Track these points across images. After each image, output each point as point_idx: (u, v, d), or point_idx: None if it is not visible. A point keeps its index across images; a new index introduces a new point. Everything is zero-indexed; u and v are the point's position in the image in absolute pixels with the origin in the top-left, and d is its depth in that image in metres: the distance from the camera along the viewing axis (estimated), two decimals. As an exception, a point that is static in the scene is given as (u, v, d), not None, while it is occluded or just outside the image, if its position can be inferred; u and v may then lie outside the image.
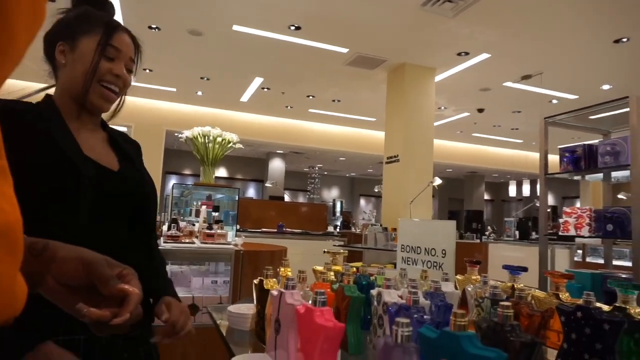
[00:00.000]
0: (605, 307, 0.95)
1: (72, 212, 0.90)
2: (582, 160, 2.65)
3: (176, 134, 4.38)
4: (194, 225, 3.53)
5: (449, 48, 5.55)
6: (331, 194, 17.93)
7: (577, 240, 5.61)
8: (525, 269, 1.26)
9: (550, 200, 15.82)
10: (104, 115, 1.11)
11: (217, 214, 3.98)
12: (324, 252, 1.61)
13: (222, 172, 14.68)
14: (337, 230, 9.75)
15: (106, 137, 1.10)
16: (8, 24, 0.31)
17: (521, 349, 0.66)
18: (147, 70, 6.98)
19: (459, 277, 1.40)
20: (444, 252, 1.52)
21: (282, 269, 1.35)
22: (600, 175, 2.87)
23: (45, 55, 1.05)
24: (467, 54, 5.69)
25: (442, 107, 8.29)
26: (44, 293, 0.60)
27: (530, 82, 6.59)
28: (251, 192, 15.39)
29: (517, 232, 8.76)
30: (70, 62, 1.00)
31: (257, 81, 7.39)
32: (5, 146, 0.85)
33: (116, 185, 0.99)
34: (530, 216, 9.82)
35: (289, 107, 9.09)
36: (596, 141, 2.67)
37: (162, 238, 3.00)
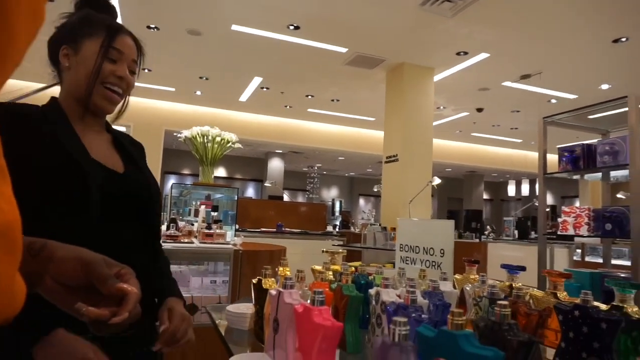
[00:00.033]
0: (603, 306, 0.95)
1: (79, 214, 0.91)
2: (581, 159, 2.66)
3: (175, 134, 4.38)
4: (192, 225, 3.53)
5: (448, 48, 5.56)
6: (330, 193, 17.93)
7: (576, 239, 5.61)
8: (523, 269, 1.27)
9: (549, 199, 15.83)
10: (108, 117, 1.12)
11: (216, 213, 3.98)
12: (323, 251, 1.61)
13: (221, 171, 14.68)
14: (336, 229, 9.75)
15: (111, 139, 1.11)
16: (8, 25, 0.31)
17: (518, 348, 0.66)
18: (146, 70, 6.98)
19: (457, 276, 1.40)
20: (442, 251, 1.52)
21: (281, 269, 1.35)
22: (599, 174, 2.87)
23: (49, 59, 1.06)
24: (466, 53, 5.70)
25: (441, 107, 8.29)
26: (42, 293, 0.61)
27: (529, 82, 6.60)
28: (250, 192, 15.39)
29: (516, 232, 8.77)
30: (74, 65, 1.01)
31: (256, 81, 7.39)
32: (11, 149, 0.86)
33: (121, 187, 1.01)
34: (529, 215, 9.82)
35: (288, 107, 9.08)
36: (595, 141, 2.68)
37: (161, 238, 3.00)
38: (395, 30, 5.16)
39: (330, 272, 1.42)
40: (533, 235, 8.13)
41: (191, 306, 2.74)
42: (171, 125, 8.62)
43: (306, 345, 0.77)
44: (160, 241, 1.19)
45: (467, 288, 1.18)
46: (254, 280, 1.28)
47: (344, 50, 5.79)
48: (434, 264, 1.55)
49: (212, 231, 3.23)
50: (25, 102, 0.99)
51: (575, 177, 3.09)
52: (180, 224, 3.39)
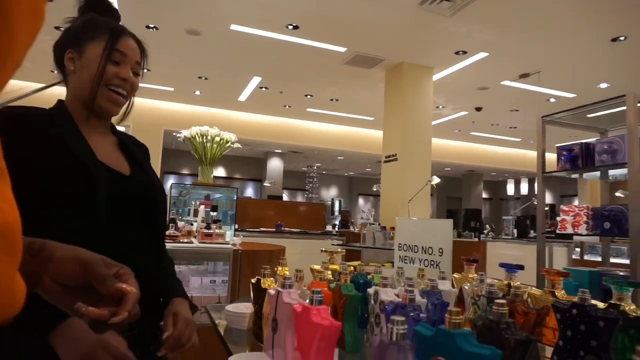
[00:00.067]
0: (601, 304, 0.96)
1: (86, 216, 0.91)
2: (579, 158, 2.66)
3: (174, 134, 4.38)
4: (192, 225, 3.53)
5: (447, 47, 5.56)
6: (329, 193, 17.94)
7: (575, 238, 5.61)
8: (521, 267, 1.27)
9: (549, 198, 15.84)
10: (113, 119, 1.13)
11: (215, 213, 3.98)
12: (322, 251, 1.61)
13: (220, 171, 14.68)
14: (336, 229, 9.76)
15: (116, 141, 1.12)
16: (8, 25, 0.31)
17: (516, 346, 0.67)
18: (145, 70, 6.96)
19: (456, 275, 1.40)
20: (441, 250, 1.52)
21: (280, 268, 1.35)
22: (598, 173, 2.88)
23: (55, 63, 1.08)
24: (464, 52, 5.70)
25: (440, 106, 8.30)
26: (41, 293, 0.61)
27: (528, 81, 6.60)
28: (249, 192, 15.39)
29: (515, 231, 8.77)
30: (78, 68, 1.03)
31: (255, 80, 7.39)
32: (18, 151, 0.88)
33: (127, 189, 1.02)
34: (528, 214, 9.83)
35: (287, 107, 9.08)
36: (593, 139, 2.68)
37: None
38: (394, 30, 5.16)
39: (329, 272, 1.42)
40: (532, 234, 8.14)
41: (190, 306, 2.75)
42: (170, 125, 8.62)
43: (305, 344, 0.77)
44: (165, 242, 1.19)
45: (466, 287, 1.18)
46: (253, 280, 1.28)
47: (342, 49, 5.80)
48: (432, 263, 1.55)
49: (211, 231, 3.24)
50: (32, 105, 0.99)
51: (574, 176, 3.09)
52: (180, 223, 3.39)
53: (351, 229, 10.17)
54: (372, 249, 5.09)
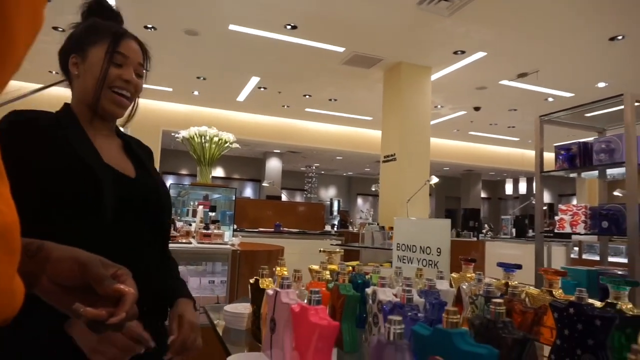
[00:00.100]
0: (598, 303, 0.96)
1: (93, 218, 0.92)
2: (577, 157, 2.67)
3: (173, 134, 4.38)
4: (190, 225, 3.53)
5: (445, 47, 5.57)
6: (328, 193, 17.94)
7: (574, 237, 5.63)
8: (519, 267, 1.27)
9: (547, 197, 15.87)
10: (119, 121, 1.14)
11: (214, 213, 3.98)
12: (320, 251, 1.62)
13: (219, 172, 14.67)
14: (335, 229, 9.77)
15: (121, 144, 1.13)
16: (8, 28, 0.32)
17: (513, 346, 0.67)
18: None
19: (454, 275, 1.41)
20: (439, 250, 1.52)
21: (278, 269, 1.35)
22: (596, 172, 2.88)
23: (61, 69, 1.09)
24: (463, 52, 5.71)
25: (439, 106, 8.31)
26: (39, 293, 0.61)
27: (526, 80, 6.61)
28: (248, 192, 15.39)
29: (513, 230, 8.78)
30: (82, 72, 1.04)
31: (254, 80, 7.39)
32: (25, 154, 0.88)
33: (133, 191, 1.03)
34: (526, 214, 9.85)
35: (285, 107, 9.08)
36: (591, 139, 2.69)
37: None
38: (392, 30, 5.16)
39: (328, 272, 1.42)
40: (531, 233, 8.15)
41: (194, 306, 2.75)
42: (169, 125, 8.62)
43: (303, 344, 0.78)
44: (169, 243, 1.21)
45: (464, 287, 1.18)
46: (251, 280, 1.28)
47: (341, 49, 5.80)
48: (430, 263, 1.55)
49: (210, 231, 3.24)
50: (40, 109, 1.01)
51: (572, 175, 3.10)
52: (178, 224, 3.39)
53: (350, 229, 10.18)
54: (370, 249, 5.09)
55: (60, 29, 5.24)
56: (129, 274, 0.65)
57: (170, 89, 8.14)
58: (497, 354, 0.57)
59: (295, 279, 1.18)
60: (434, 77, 6.40)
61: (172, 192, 4.11)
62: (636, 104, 2.36)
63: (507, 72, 6.36)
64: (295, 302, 0.86)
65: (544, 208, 4.64)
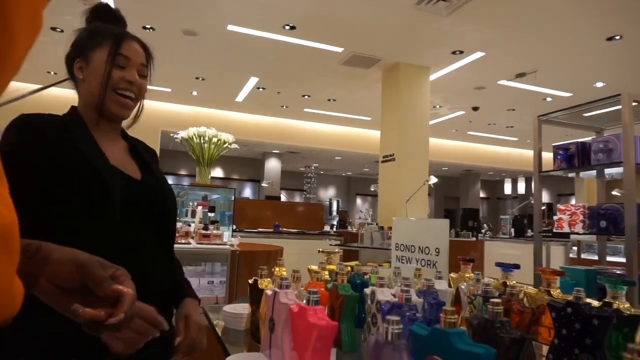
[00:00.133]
0: (596, 303, 0.96)
1: (100, 220, 0.94)
2: (575, 157, 2.67)
3: (171, 135, 4.38)
4: (190, 225, 3.53)
5: (444, 47, 5.57)
6: (327, 193, 17.94)
7: (572, 237, 5.64)
8: (517, 267, 1.28)
9: (546, 197, 15.89)
10: (125, 123, 1.15)
11: (213, 214, 3.98)
12: (319, 251, 1.62)
13: (218, 172, 14.67)
14: (334, 229, 9.77)
15: (127, 147, 1.15)
16: (8, 30, 0.32)
17: (510, 345, 0.67)
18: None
19: (452, 275, 1.41)
20: (437, 250, 1.53)
21: (277, 269, 1.35)
22: (594, 172, 2.89)
23: (69, 74, 1.10)
24: (461, 52, 5.71)
25: (437, 106, 8.31)
26: (38, 294, 0.61)
27: (525, 80, 6.62)
28: (247, 192, 15.38)
29: (512, 230, 8.79)
30: (86, 76, 1.05)
31: (253, 81, 7.39)
32: (33, 157, 0.90)
33: (139, 193, 1.04)
34: (525, 214, 9.86)
35: (284, 107, 9.08)
36: (589, 139, 2.69)
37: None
38: (391, 30, 5.17)
39: (326, 272, 1.42)
40: (529, 233, 8.16)
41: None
42: (167, 126, 8.62)
43: (301, 344, 0.78)
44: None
45: (462, 286, 1.18)
46: (250, 281, 1.29)
47: (340, 50, 5.80)
48: (429, 263, 1.56)
49: (209, 232, 3.24)
50: (48, 113, 1.02)
51: (570, 175, 3.11)
52: (177, 224, 3.39)
53: (349, 229, 10.18)
54: (370, 249, 5.09)
55: (59, 30, 5.23)
56: (128, 275, 0.65)
57: (169, 90, 8.13)
58: (494, 354, 0.57)
59: (294, 279, 1.19)
60: (432, 77, 6.41)
61: (171, 193, 4.10)
62: (634, 103, 2.37)
63: (506, 72, 6.37)
64: (294, 302, 0.86)
65: (543, 208, 4.64)
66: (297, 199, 16.33)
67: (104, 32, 1.06)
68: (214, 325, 1.36)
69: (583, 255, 5.83)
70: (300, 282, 1.20)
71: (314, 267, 1.47)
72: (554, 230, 2.78)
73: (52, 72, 6.78)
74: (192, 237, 3.34)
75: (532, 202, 3.00)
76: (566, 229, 2.66)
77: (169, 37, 5.61)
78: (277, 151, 12.87)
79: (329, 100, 8.38)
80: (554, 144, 2.82)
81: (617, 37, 5.04)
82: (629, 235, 2.28)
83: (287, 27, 5.20)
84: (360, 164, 14.50)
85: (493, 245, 7.87)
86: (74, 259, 0.62)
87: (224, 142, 3.92)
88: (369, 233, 5.29)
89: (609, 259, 3.40)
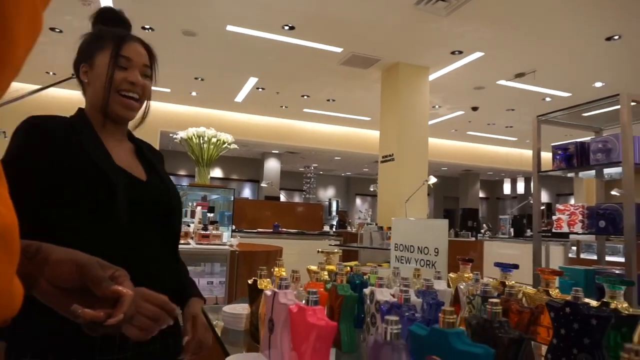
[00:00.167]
0: (594, 303, 0.97)
1: (106, 220, 0.95)
2: (574, 157, 2.67)
3: (171, 135, 4.38)
4: (189, 226, 3.53)
5: (443, 47, 5.58)
6: (327, 193, 17.94)
7: (571, 236, 5.64)
8: (516, 267, 1.28)
9: (545, 197, 15.90)
10: (131, 124, 1.16)
11: (212, 214, 3.98)
12: (318, 251, 1.62)
13: (217, 172, 14.66)
14: (333, 229, 9.77)
15: (133, 148, 1.16)
16: (8, 32, 0.32)
17: (509, 345, 0.67)
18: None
19: (451, 275, 1.41)
20: (436, 250, 1.53)
21: (277, 269, 1.35)
22: (593, 172, 2.89)
23: (77, 80, 1.12)
24: (460, 52, 5.72)
25: (437, 106, 8.32)
26: (37, 295, 0.61)
27: (524, 80, 6.63)
28: (247, 193, 15.38)
29: (512, 230, 8.80)
30: (91, 79, 1.07)
31: (252, 81, 7.39)
32: (41, 158, 0.91)
33: (145, 194, 1.06)
34: (525, 213, 9.87)
35: (283, 107, 9.09)
36: (588, 139, 2.70)
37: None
38: (390, 30, 5.17)
39: (326, 272, 1.43)
40: (529, 233, 8.17)
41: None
42: (167, 126, 8.61)
43: (301, 344, 0.78)
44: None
45: (461, 287, 1.19)
46: (250, 281, 1.29)
47: (339, 50, 5.81)
48: (428, 263, 1.56)
49: (208, 232, 3.24)
50: (55, 115, 1.04)
51: (569, 175, 3.11)
52: (177, 225, 3.38)
53: (349, 229, 10.19)
54: (369, 249, 5.10)
55: (58, 30, 5.23)
56: (127, 275, 0.66)
57: (169, 90, 8.13)
58: (493, 354, 0.57)
59: (293, 279, 1.19)
60: (431, 77, 6.41)
61: (170, 193, 4.10)
62: (632, 103, 2.37)
63: (505, 72, 6.38)
64: (293, 302, 0.86)
65: (542, 208, 4.64)
66: (297, 199, 16.33)
67: (106, 35, 1.07)
68: (214, 326, 1.36)
69: (582, 255, 5.84)
70: (300, 283, 1.21)
71: (313, 268, 1.47)
72: (553, 230, 2.78)
73: (51, 73, 6.78)
74: (192, 238, 3.34)
75: (532, 202, 3.01)
76: (565, 229, 2.66)
77: (168, 37, 5.61)
78: (277, 151, 12.87)
79: (328, 100, 8.38)
80: (553, 144, 2.82)
81: (616, 37, 5.05)
82: (628, 235, 2.28)
83: (287, 27, 5.20)
84: (360, 164, 14.50)
85: (492, 245, 7.88)
86: (73, 259, 0.62)
87: (223, 143, 3.93)
88: (368, 233, 5.29)
89: (608, 258, 3.41)
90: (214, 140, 3.86)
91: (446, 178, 15.75)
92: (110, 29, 1.10)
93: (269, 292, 0.96)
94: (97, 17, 1.14)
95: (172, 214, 1.12)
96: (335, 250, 1.61)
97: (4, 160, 0.92)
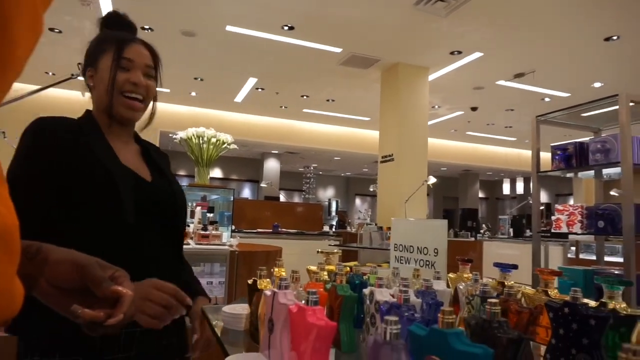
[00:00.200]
0: (593, 303, 0.97)
1: (113, 220, 0.97)
2: (573, 157, 2.68)
3: (170, 135, 4.38)
4: (189, 226, 3.53)
5: (442, 47, 5.58)
6: (326, 193, 17.94)
7: (571, 237, 5.65)
8: (515, 267, 1.28)
9: (544, 197, 15.91)
10: (139, 126, 1.17)
11: (212, 214, 3.98)
12: (318, 252, 1.62)
13: (217, 172, 14.66)
14: (333, 229, 9.77)
15: (139, 150, 1.17)
16: (10, 35, 0.32)
17: (508, 345, 0.68)
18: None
19: (451, 275, 1.41)
20: (436, 250, 1.53)
21: (276, 269, 1.35)
22: (592, 172, 2.90)
23: (86, 85, 1.13)
24: (459, 52, 5.72)
25: (436, 106, 8.32)
26: (38, 295, 0.61)
27: (523, 81, 6.64)
28: (246, 193, 15.37)
29: (511, 230, 8.81)
30: (96, 83, 1.08)
31: (251, 81, 7.39)
32: (49, 159, 0.93)
33: (150, 195, 1.07)
34: (524, 214, 9.87)
35: (283, 107, 9.09)
36: (587, 139, 2.70)
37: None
38: (389, 30, 5.17)
39: (325, 273, 1.43)
40: (528, 233, 8.17)
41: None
42: (166, 126, 8.60)
43: (300, 344, 0.78)
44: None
45: (461, 287, 1.19)
46: (249, 281, 1.29)
47: (338, 50, 5.81)
48: (428, 263, 1.56)
49: (208, 232, 3.24)
50: (63, 116, 1.05)
51: (568, 175, 3.12)
52: (176, 225, 3.39)
53: (348, 229, 10.19)
54: (369, 249, 5.10)
55: (57, 30, 5.23)
56: (127, 275, 0.66)
57: (168, 90, 8.13)
58: (491, 354, 0.57)
59: (293, 279, 1.19)
60: (431, 77, 6.42)
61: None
62: (631, 104, 2.38)
63: (504, 72, 6.38)
64: (293, 302, 0.86)
65: (541, 208, 4.65)
66: (296, 199, 16.33)
67: (108, 39, 1.09)
68: (213, 326, 1.37)
69: (581, 256, 5.84)
70: (299, 283, 1.21)
71: (313, 268, 1.47)
72: (552, 231, 2.78)
73: (50, 73, 6.78)
74: (191, 238, 3.34)
75: (531, 202, 3.01)
76: (564, 229, 2.66)
77: (167, 37, 5.61)
78: (276, 151, 12.87)
79: (327, 100, 8.38)
80: (552, 144, 2.83)
81: (615, 38, 5.05)
82: (627, 235, 2.28)
83: (286, 28, 5.21)
84: (359, 164, 14.51)
85: (492, 246, 7.88)
86: (73, 260, 0.62)
87: (223, 143, 3.93)
88: (368, 233, 5.29)
89: (607, 259, 3.41)
90: (213, 140, 3.86)
91: (445, 178, 15.75)
92: (113, 32, 1.12)
93: (268, 292, 0.96)
94: (103, 22, 1.16)
95: (177, 215, 1.13)
96: (335, 251, 1.61)
97: (13, 162, 0.93)
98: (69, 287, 0.61)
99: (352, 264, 1.78)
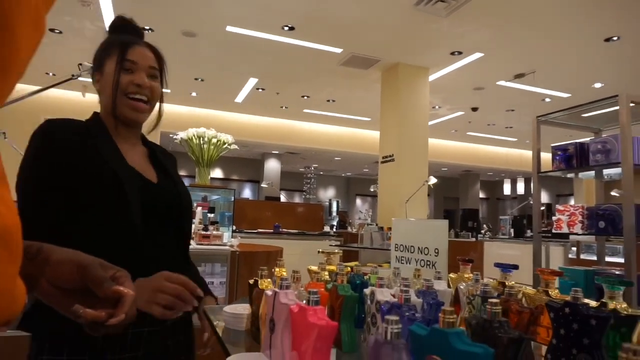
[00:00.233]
0: (594, 303, 0.97)
1: (120, 221, 0.97)
2: (574, 158, 2.68)
3: (171, 135, 4.38)
4: (189, 226, 3.53)
5: (442, 47, 5.58)
6: (327, 193, 17.94)
7: (571, 237, 5.64)
8: (516, 267, 1.28)
9: (545, 198, 15.90)
10: (146, 127, 1.19)
11: (212, 215, 3.98)
12: (319, 252, 1.62)
13: (217, 173, 14.67)
14: (334, 230, 9.77)
15: (146, 152, 1.19)
16: (12, 37, 0.32)
17: (509, 345, 0.68)
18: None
19: (452, 275, 1.41)
20: (436, 251, 1.53)
21: (277, 269, 1.36)
22: (593, 172, 2.89)
23: (95, 89, 1.15)
24: (460, 53, 5.72)
25: (437, 107, 8.32)
26: (39, 295, 0.61)
27: (523, 81, 6.63)
28: (247, 193, 15.38)
29: (512, 230, 8.80)
30: (102, 86, 1.10)
31: (252, 82, 7.40)
32: (58, 161, 0.94)
33: (157, 197, 1.08)
34: (525, 214, 9.86)
35: (283, 108, 9.09)
36: (588, 139, 2.70)
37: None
38: (390, 31, 5.18)
39: (326, 273, 1.43)
40: (529, 233, 8.17)
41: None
42: (167, 126, 8.57)
43: (301, 344, 0.78)
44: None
45: (461, 287, 1.19)
46: (250, 281, 1.29)
47: (338, 50, 5.81)
48: (428, 263, 1.56)
49: (208, 233, 3.24)
50: (71, 118, 1.06)
51: (569, 175, 3.12)
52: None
53: (349, 229, 10.18)
54: (369, 250, 5.10)
55: (57, 31, 5.24)
56: (128, 275, 0.66)
57: (168, 90, 8.14)
58: (492, 353, 0.57)
59: (294, 279, 1.19)
60: (431, 77, 6.42)
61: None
62: (631, 104, 2.38)
63: (504, 72, 6.38)
64: (294, 302, 0.86)
65: (542, 208, 4.65)
66: (297, 199, 16.33)
67: (113, 42, 1.11)
68: (214, 326, 1.37)
69: (582, 256, 5.84)
70: (300, 283, 1.21)
71: (314, 268, 1.47)
72: (553, 231, 2.78)
73: (50, 74, 6.78)
74: (192, 238, 3.35)
75: (531, 202, 3.01)
76: (565, 230, 2.66)
77: (168, 38, 5.62)
78: (277, 152, 12.87)
79: (328, 100, 8.39)
80: (552, 145, 2.83)
81: (615, 38, 5.05)
82: (628, 236, 2.28)
83: (286, 28, 5.21)
84: (360, 165, 14.51)
85: (492, 246, 7.88)
86: (74, 260, 0.62)
87: (224, 143, 3.93)
88: (368, 233, 5.29)
89: (607, 259, 3.41)
90: (214, 140, 3.87)
91: (446, 178, 15.75)
92: (118, 36, 1.13)
93: (269, 292, 0.97)
94: (110, 28, 1.19)
95: (182, 216, 1.14)
96: (336, 251, 1.62)
97: (23, 164, 0.95)
98: (70, 287, 0.61)
99: (352, 264, 1.78)
